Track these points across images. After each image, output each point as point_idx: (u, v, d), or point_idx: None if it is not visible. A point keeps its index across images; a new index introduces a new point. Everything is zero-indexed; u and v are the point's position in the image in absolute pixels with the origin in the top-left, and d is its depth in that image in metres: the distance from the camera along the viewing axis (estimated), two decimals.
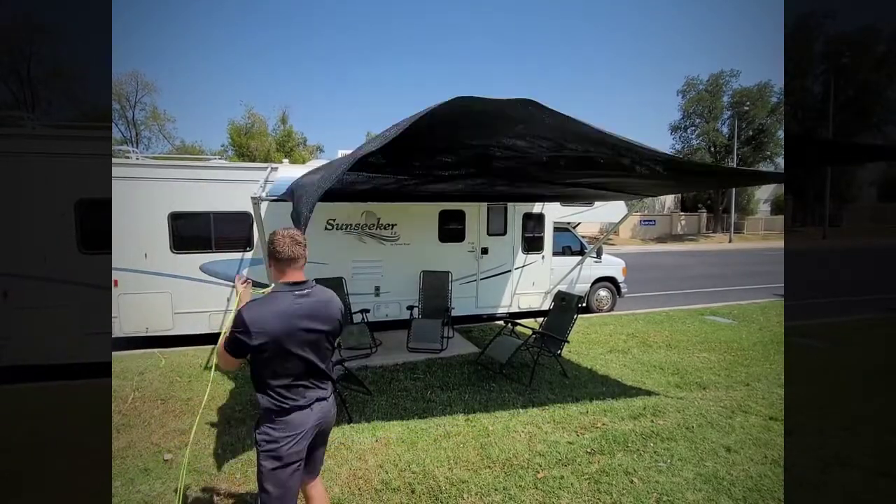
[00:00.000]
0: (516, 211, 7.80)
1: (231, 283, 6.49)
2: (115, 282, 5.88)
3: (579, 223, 9.17)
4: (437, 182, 4.62)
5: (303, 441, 2.01)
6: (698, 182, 5.44)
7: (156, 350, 6.16)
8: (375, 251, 7.07)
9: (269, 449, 1.96)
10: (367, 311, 6.29)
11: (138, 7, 53.70)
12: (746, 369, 5.31)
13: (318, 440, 2.18)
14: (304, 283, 2.04)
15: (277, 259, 2.00)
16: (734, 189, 32.66)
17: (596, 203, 8.10)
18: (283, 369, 1.96)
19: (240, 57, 64.83)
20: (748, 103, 32.98)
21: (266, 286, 6.79)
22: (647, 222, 33.86)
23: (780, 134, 34.06)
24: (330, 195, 4.75)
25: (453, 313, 6.76)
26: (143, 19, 53.53)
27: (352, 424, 3.95)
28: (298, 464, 2.02)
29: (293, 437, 1.97)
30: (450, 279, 6.82)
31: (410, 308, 6.66)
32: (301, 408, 2.01)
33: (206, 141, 46.11)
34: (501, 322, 6.99)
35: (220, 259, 6.44)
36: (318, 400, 2.08)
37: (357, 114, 77.70)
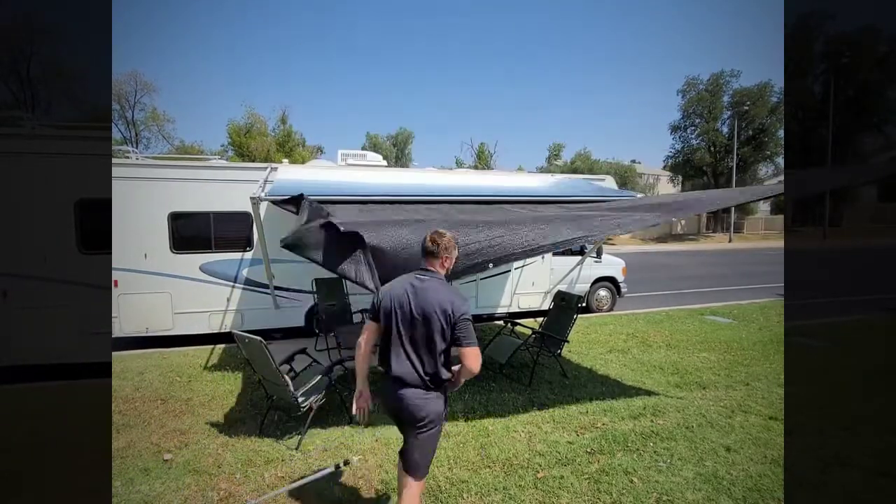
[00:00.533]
0: None
1: (230, 283, 6.49)
2: (115, 282, 5.88)
3: None
4: None
5: (390, 401, 2.30)
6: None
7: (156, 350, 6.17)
8: None
9: None
10: (367, 311, 6.29)
11: (138, 7, 53.76)
12: (746, 369, 5.31)
13: (409, 437, 2.30)
14: (428, 271, 2.34)
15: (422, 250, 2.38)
16: (734, 188, 32.67)
17: None
18: (388, 333, 2.28)
19: (240, 57, 64.90)
20: (748, 103, 32.99)
21: (265, 286, 6.73)
22: None
23: (780, 133, 34.07)
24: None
25: None
26: (143, 19, 53.58)
27: (351, 424, 3.95)
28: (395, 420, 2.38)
29: (385, 394, 2.33)
30: None
31: None
32: (390, 377, 2.27)
33: (206, 141, 46.17)
34: (501, 322, 6.98)
35: (219, 259, 6.44)
36: (401, 381, 2.23)
37: (357, 114, 77.88)
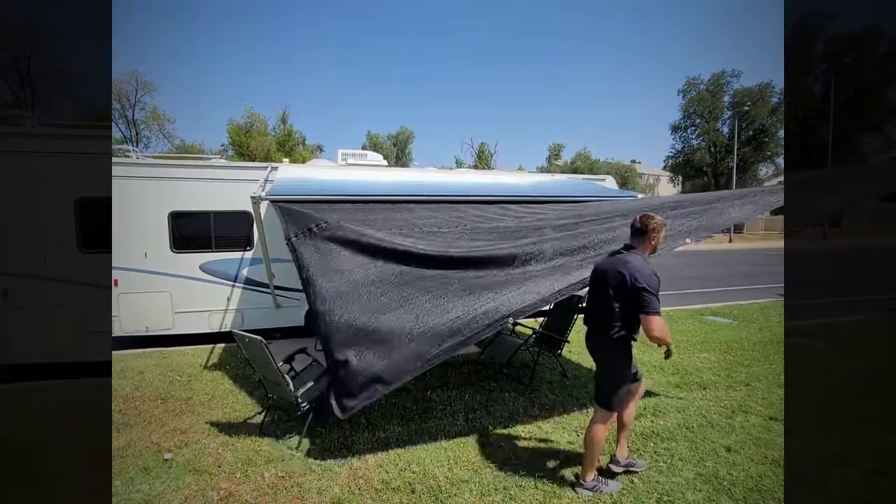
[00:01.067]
0: None
1: (231, 282, 6.49)
2: (116, 281, 5.88)
3: None
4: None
5: (587, 344, 3.06)
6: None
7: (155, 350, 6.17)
8: None
9: None
10: None
11: (138, 6, 53.64)
12: (746, 369, 5.30)
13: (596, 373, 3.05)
14: (629, 247, 2.87)
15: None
16: (734, 189, 32.67)
17: None
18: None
19: (240, 56, 64.92)
20: (749, 103, 32.98)
21: (266, 286, 6.72)
22: None
23: (781, 134, 34.08)
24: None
25: None
26: (142, 18, 53.53)
27: (351, 424, 3.95)
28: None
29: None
30: None
31: None
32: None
33: (206, 140, 46.06)
34: None
35: (219, 258, 6.44)
36: (589, 330, 3.01)
37: (357, 113, 77.90)
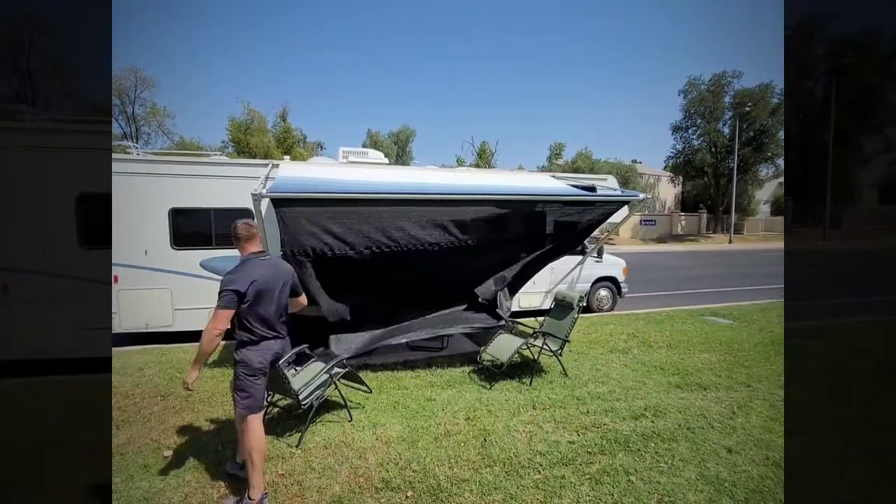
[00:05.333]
0: None
1: None
2: (116, 277, 5.86)
3: None
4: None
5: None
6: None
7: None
8: None
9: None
10: None
11: (137, 3, 53.51)
12: (747, 370, 5.30)
13: None
14: (263, 252, 3.04)
15: (241, 238, 2.97)
16: (734, 190, 32.71)
17: None
18: (263, 310, 2.94)
19: (239, 53, 64.83)
20: (749, 104, 32.93)
21: None
22: (647, 222, 33.83)
23: (781, 135, 34.05)
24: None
25: None
26: (142, 15, 53.37)
27: (352, 422, 3.95)
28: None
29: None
30: None
31: None
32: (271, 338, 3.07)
33: (206, 137, 46.01)
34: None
35: (220, 255, 6.42)
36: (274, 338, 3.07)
37: (358, 111, 77.80)
